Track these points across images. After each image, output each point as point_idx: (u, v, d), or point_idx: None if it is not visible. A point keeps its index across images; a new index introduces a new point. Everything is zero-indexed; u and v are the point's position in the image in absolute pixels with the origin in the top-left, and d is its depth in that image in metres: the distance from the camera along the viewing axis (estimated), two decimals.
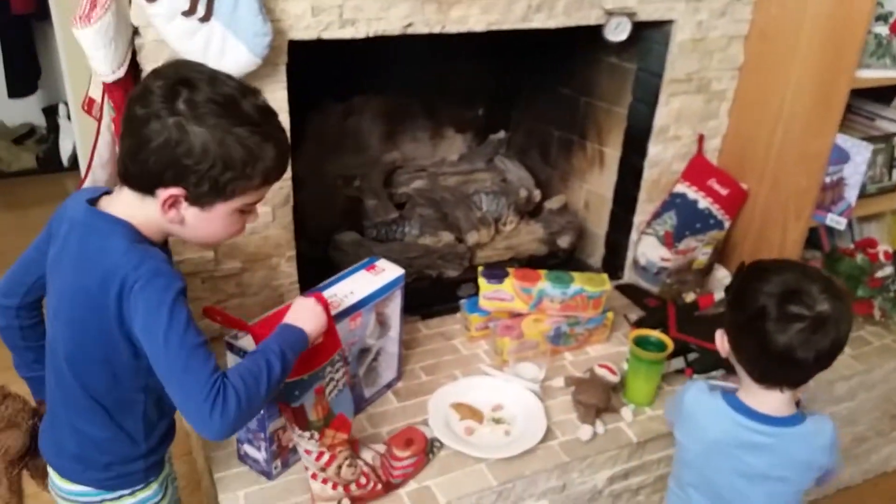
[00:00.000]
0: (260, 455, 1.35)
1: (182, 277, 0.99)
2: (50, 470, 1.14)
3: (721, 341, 1.20)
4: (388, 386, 1.64)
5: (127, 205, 1.01)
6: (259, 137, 0.97)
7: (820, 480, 1.20)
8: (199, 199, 0.98)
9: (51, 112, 3.80)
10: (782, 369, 1.11)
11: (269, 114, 1.02)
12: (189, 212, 1.00)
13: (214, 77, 0.98)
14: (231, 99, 0.96)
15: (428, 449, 1.43)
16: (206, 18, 1.28)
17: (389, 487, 1.36)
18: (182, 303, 0.97)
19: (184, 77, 0.95)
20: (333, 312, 1.35)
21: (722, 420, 1.17)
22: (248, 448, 1.37)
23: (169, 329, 0.94)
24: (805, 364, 1.08)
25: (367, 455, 1.36)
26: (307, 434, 1.23)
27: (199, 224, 1.01)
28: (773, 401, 1.14)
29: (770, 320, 1.07)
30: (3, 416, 1.16)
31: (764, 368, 1.13)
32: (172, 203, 0.98)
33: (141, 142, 0.94)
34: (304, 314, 1.14)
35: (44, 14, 3.09)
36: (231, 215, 1.03)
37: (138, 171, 0.97)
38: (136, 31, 1.34)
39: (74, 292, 1.01)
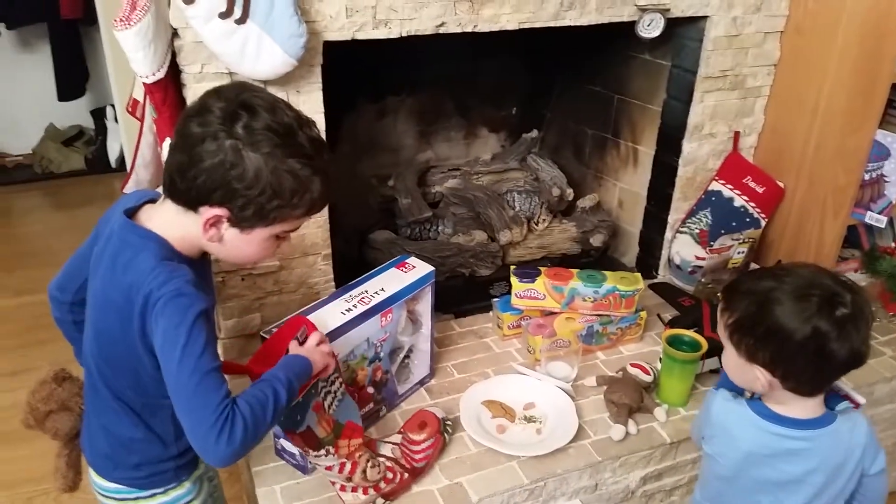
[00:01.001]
0: (296, 450, 1.38)
1: (207, 299, 0.99)
2: (87, 466, 1.18)
3: (758, 379, 1.10)
4: (421, 383, 1.66)
5: (166, 219, 1.03)
6: (310, 170, 0.99)
7: (870, 485, 1.17)
8: (242, 221, 1.00)
9: (99, 114, 3.92)
10: (844, 373, 1.10)
11: (322, 147, 1.03)
12: (229, 232, 1.01)
13: (275, 105, 0.98)
14: (289, 129, 0.97)
15: (441, 429, 1.44)
16: (242, 20, 1.30)
17: (416, 473, 1.38)
18: (202, 325, 0.97)
19: (245, 102, 0.96)
20: (363, 309, 1.38)
21: (753, 430, 1.14)
22: (284, 443, 1.40)
23: (185, 351, 0.94)
24: (864, 358, 1.07)
25: (386, 450, 1.37)
26: (322, 452, 1.23)
27: (236, 245, 1.03)
28: (807, 404, 1.12)
29: (831, 339, 1.03)
30: (60, 398, 1.19)
31: (824, 380, 1.11)
32: (214, 223, 0.99)
33: (193, 159, 0.95)
34: (308, 350, 1.15)
35: (91, 19, 3.18)
36: (268, 240, 1.04)
37: (186, 188, 0.98)
38: (175, 33, 1.36)
39: (103, 303, 1.04)
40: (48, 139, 3.81)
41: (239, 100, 0.96)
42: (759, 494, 1.18)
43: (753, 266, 2.07)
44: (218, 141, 0.94)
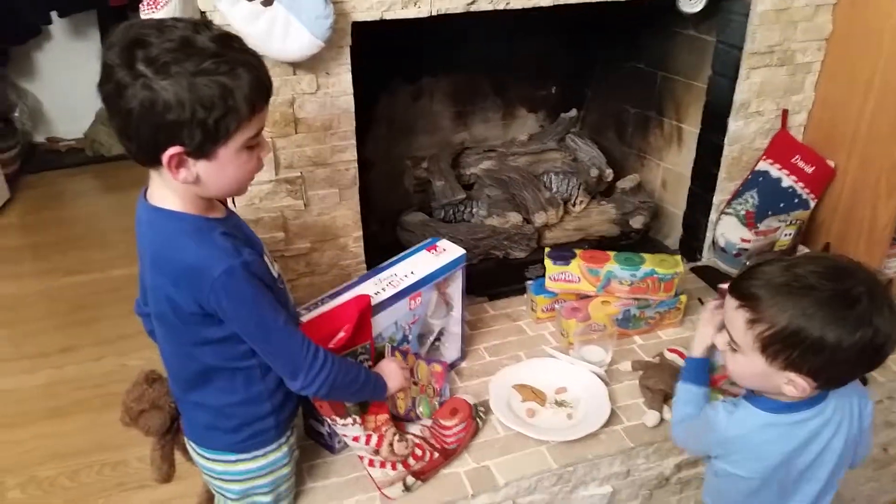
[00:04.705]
0: (324, 430, 1.39)
1: (248, 252, 1.02)
2: (188, 443, 1.22)
3: (790, 384, 1.03)
4: (452, 366, 1.64)
5: (160, 189, 1.02)
6: (226, 66, 0.93)
7: (864, 439, 1.15)
8: (200, 149, 0.96)
9: None
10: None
11: (230, 40, 0.97)
12: (199, 167, 0.98)
13: (162, 26, 0.94)
14: (185, 41, 0.93)
15: (474, 414, 1.43)
16: (268, 2, 1.30)
17: (447, 454, 1.37)
18: (258, 288, 1.02)
19: (134, 38, 0.92)
20: (392, 292, 1.38)
21: (774, 431, 1.08)
22: (313, 422, 1.41)
23: (261, 317, 1.03)
24: None
25: (415, 429, 1.37)
26: (349, 420, 1.24)
27: (214, 175, 1.00)
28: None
29: (890, 341, 0.99)
30: (150, 398, 1.24)
31: (864, 371, 1.08)
32: (178, 164, 0.97)
33: (123, 116, 0.93)
34: (394, 374, 1.31)
35: (138, 6, 3.24)
36: (239, 155, 1.00)
37: (137, 147, 0.96)
38: (202, 16, 1.36)
39: (154, 290, 1.05)
40: (99, 123, 3.89)
41: (127, 39, 0.92)
42: (792, 485, 1.13)
43: (802, 248, 2.00)
44: (129, 88, 0.91)
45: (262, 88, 0.99)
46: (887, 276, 1.91)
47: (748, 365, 1.06)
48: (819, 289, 0.99)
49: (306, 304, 1.32)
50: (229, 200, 1.46)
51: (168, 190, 1.02)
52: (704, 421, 1.16)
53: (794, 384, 1.02)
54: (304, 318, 1.26)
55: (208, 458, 1.18)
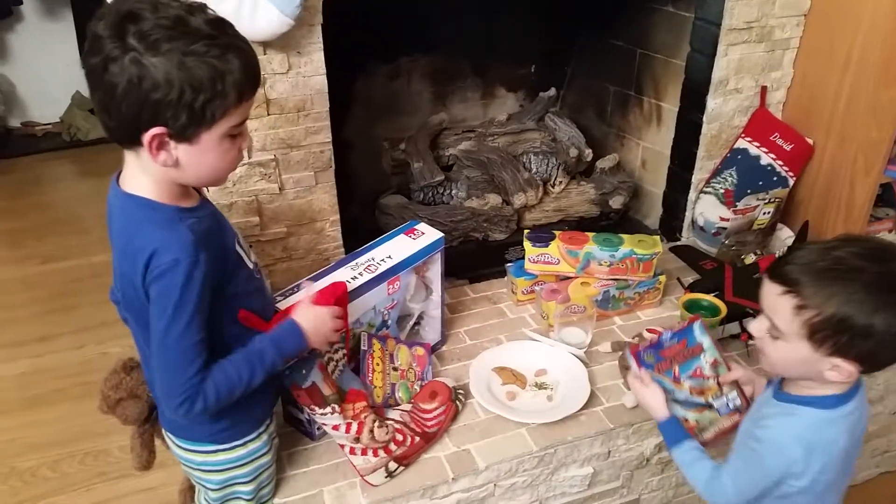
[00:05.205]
0: (303, 416, 1.38)
1: (205, 259, 0.98)
2: (165, 434, 1.20)
3: (836, 369, 1.00)
4: (433, 349, 1.64)
5: (134, 173, 1.00)
6: (219, 50, 0.92)
7: None
8: (183, 132, 0.95)
9: None
10: None
11: (223, 25, 0.96)
12: (179, 150, 0.96)
13: (157, 3, 0.92)
14: (179, 20, 0.91)
15: (453, 397, 1.43)
16: None
17: (428, 438, 1.37)
18: (190, 297, 0.97)
19: (127, 12, 0.90)
20: (369, 277, 1.36)
21: (833, 429, 1.04)
22: (293, 409, 1.40)
23: (172, 321, 0.97)
24: None
25: (395, 414, 1.37)
26: (328, 409, 1.23)
27: (194, 160, 0.98)
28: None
29: None
30: (127, 386, 1.23)
31: None
32: (159, 145, 0.95)
33: (107, 91, 0.91)
34: (316, 324, 1.15)
35: None
36: (221, 142, 0.99)
37: (117, 124, 0.94)
38: None
39: (122, 276, 1.03)
40: (75, 107, 3.83)
41: (120, 12, 0.90)
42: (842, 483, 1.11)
43: (781, 227, 2.00)
44: (118, 62, 0.89)
45: (251, 76, 0.98)
46: None
47: (791, 351, 1.02)
48: (864, 271, 0.96)
49: (282, 289, 1.30)
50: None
51: (143, 175, 1.00)
52: (756, 453, 1.07)
53: (839, 370, 0.99)
54: (281, 305, 1.25)
55: (186, 449, 1.17)
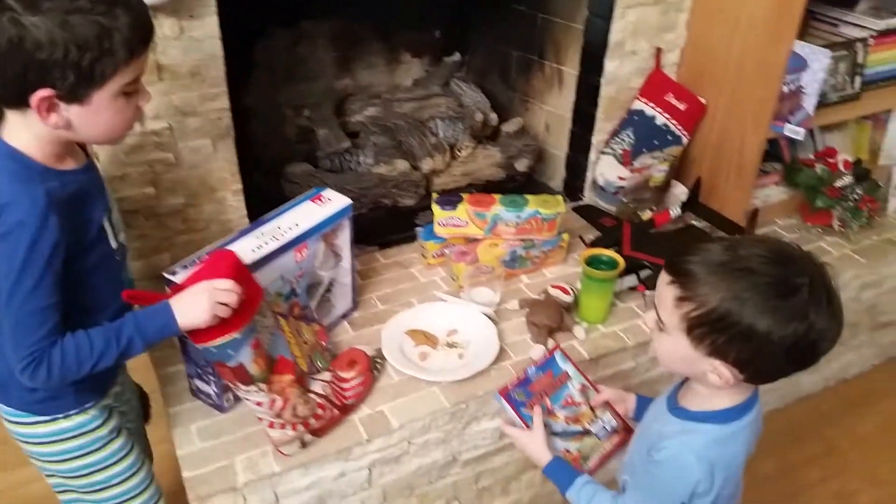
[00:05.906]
0: (210, 389, 1.35)
1: (56, 224, 0.94)
2: None
3: (714, 372, 0.94)
4: (344, 316, 1.64)
5: (14, 130, 0.96)
6: (104, 6, 0.89)
7: None
8: (73, 93, 0.92)
9: None
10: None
11: None
12: (71, 111, 0.93)
13: None
14: None
15: (371, 366, 1.44)
16: None
17: (346, 410, 1.38)
18: (41, 258, 0.94)
19: None
20: (276, 246, 1.34)
21: (733, 444, 1.00)
22: (199, 383, 1.37)
23: (17, 283, 0.94)
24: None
25: (317, 387, 1.36)
26: (254, 388, 1.22)
27: (87, 121, 0.95)
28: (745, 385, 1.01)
29: (825, 339, 0.91)
30: None
31: (795, 369, 0.96)
32: (49, 107, 0.92)
33: None
34: (191, 302, 1.09)
35: None
36: (116, 101, 0.96)
37: (1, 86, 0.91)
38: None
39: None
40: None
41: None
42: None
43: (675, 184, 2.08)
44: None
45: (142, 31, 0.94)
46: (753, 207, 2.02)
47: (673, 346, 0.96)
48: (759, 273, 0.89)
49: (181, 260, 1.26)
50: (99, 150, 1.37)
51: (26, 131, 0.96)
52: (657, 479, 1.01)
53: (718, 373, 0.94)
54: (178, 278, 1.21)
55: (10, 421, 1.13)
